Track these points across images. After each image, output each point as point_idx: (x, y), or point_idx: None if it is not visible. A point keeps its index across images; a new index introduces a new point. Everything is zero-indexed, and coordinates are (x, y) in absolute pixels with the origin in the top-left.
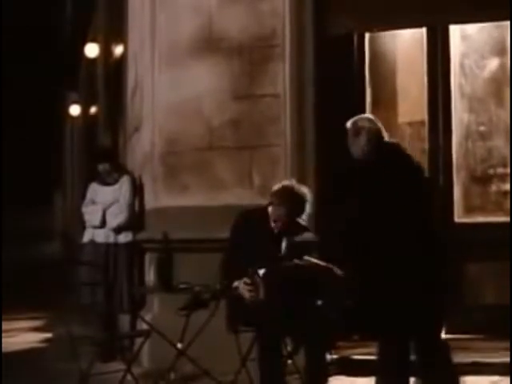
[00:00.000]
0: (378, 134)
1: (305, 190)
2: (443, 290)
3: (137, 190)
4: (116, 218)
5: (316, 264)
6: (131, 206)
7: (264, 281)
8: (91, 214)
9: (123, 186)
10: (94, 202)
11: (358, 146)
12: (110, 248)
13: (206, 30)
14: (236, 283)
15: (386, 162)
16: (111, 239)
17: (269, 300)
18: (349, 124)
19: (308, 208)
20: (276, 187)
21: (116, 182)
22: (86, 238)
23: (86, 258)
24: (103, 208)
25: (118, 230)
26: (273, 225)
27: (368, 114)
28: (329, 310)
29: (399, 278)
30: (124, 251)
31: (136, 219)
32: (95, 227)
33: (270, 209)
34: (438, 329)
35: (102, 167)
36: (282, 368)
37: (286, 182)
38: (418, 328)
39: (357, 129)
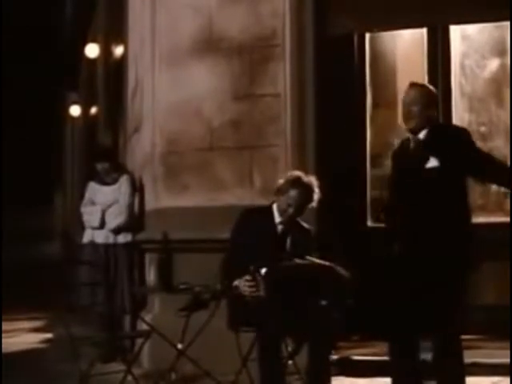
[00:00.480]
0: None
1: (312, 179)
2: (460, 289)
3: (136, 189)
4: (115, 218)
5: (318, 263)
6: (131, 206)
7: (265, 279)
8: (90, 215)
9: (122, 187)
10: (92, 202)
11: (426, 112)
12: (109, 249)
13: (206, 30)
14: (237, 282)
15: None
16: (110, 240)
17: (269, 298)
18: (416, 85)
19: (315, 197)
20: (285, 177)
21: (115, 181)
22: (86, 238)
23: (86, 259)
24: (102, 209)
25: (117, 231)
26: (278, 220)
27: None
28: (331, 310)
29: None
30: (123, 252)
31: (136, 220)
32: (94, 228)
33: (275, 206)
34: (453, 329)
35: (101, 166)
36: (282, 368)
37: (294, 172)
38: (431, 327)
39: (431, 96)
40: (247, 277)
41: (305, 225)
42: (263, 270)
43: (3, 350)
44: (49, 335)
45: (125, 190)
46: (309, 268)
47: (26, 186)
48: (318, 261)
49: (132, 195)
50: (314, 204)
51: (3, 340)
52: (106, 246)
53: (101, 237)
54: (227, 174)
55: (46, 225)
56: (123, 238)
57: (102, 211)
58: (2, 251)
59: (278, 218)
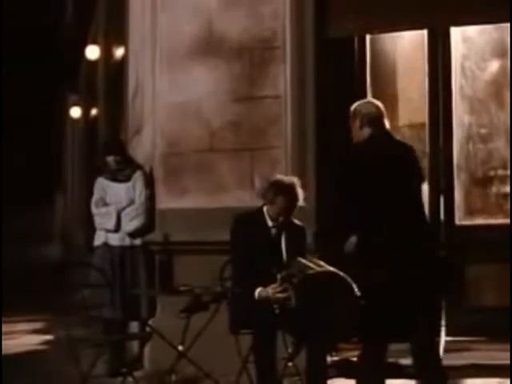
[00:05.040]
0: (373, 121)
1: (293, 179)
2: (440, 291)
3: (149, 186)
4: (132, 220)
5: (324, 270)
6: (147, 206)
7: (297, 289)
8: (104, 217)
9: (137, 185)
10: (104, 202)
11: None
12: (125, 251)
13: (206, 31)
14: (260, 291)
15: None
16: (127, 242)
17: (301, 307)
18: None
19: (300, 196)
20: (265, 185)
21: (128, 179)
22: (98, 240)
23: (98, 262)
24: (117, 210)
25: (134, 234)
26: (270, 223)
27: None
28: (332, 312)
29: (395, 279)
30: (140, 254)
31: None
32: (109, 231)
33: (265, 208)
34: (433, 330)
35: (113, 159)
36: (276, 368)
37: (273, 177)
38: (413, 330)
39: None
40: (274, 286)
41: (297, 222)
42: (295, 280)
43: (3, 352)
44: (49, 337)
45: (140, 189)
46: (324, 275)
47: (26, 188)
48: (319, 262)
49: (147, 193)
50: (300, 202)
51: (3, 342)
52: (122, 249)
53: (116, 239)
54: (227, 176)
55: (46, 226)
56: (139, 240)
57: (118, 213)
58: (1, 252)
59: (270, 222)
